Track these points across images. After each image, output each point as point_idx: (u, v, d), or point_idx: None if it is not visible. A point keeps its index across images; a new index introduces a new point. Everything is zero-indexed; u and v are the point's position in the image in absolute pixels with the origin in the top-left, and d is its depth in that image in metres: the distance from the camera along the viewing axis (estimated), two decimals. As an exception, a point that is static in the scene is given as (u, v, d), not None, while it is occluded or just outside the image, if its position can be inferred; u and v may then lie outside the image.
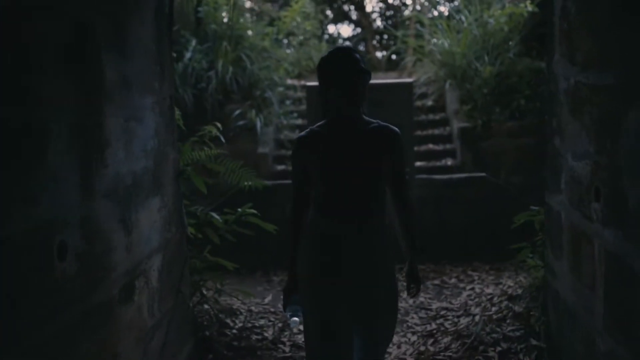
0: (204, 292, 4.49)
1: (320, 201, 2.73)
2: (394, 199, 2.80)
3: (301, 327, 2.91)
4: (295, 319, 2.70)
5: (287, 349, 4.37)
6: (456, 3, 9.77)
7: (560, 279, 3.63)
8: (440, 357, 4.11)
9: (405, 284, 2.86)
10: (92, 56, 2.67)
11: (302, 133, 2.81)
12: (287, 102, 8.58)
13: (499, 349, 4.09)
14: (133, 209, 3.05)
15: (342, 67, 2.66)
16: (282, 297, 2.83)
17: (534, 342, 4.01)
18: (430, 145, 7.90)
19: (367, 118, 2.77)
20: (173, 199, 3.70)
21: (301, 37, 10.28)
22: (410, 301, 5.11)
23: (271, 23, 9.81)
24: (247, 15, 9.77)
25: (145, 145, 3.24)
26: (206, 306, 4.56)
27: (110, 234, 2.79)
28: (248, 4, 10.42)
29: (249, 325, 4.77)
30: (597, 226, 2.96)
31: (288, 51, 10.03)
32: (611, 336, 2.84)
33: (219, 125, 4.50)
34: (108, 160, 2.77)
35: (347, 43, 13.15)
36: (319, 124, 2.79)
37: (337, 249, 2.68)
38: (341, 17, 14.30)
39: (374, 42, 13.33)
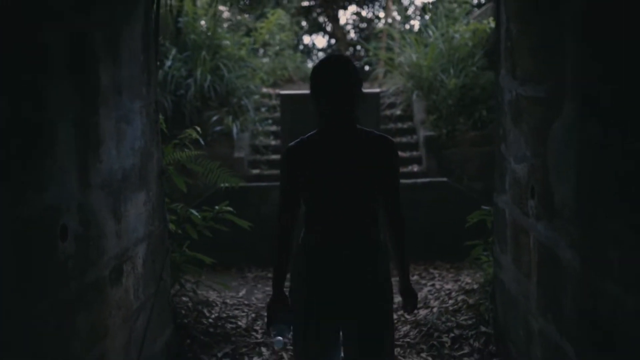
0: (183, 283, 4.83)
1: (311, 215, 2.66)
2: (387, 212, 2.71)
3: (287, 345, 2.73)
4: (280, 338, 2.54)
5: (259, 336, 4.74)
6: (427, 17, 10.24)
7: (505, 270, 4.05)
8: (399, 342, 4.50)
9: (401, 299, 2.82)
10: (90, 64, 3.03)
11: (292, 143, 2.70)
12: (263, 109, 8.97)
13: (452, 335, 4.51)
14: (122, 201, 3.41)
15: (334, 76, 2.57)
16: (266, 314, 2.67)
17: (483, 328, 4.44)
18: (399, 152, 8.30)
19: (361, 127, 2.67)
20: (156, 195, 4.05)
21: (277, 48, 10.69)
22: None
23: (248, 33, 10.20)
24: (225, 25, 10.16)
25: (133, 145, 3.60)
26: (184, 298, 4.92)
27: (103, 222, 3.15)
28: (226, 15, 10.81)
29: (224, 315, 5.12)
30: (532, 221, 3.38)
31: (264, 60, 10.43)
32: (542, 316, 3.25)
33: (198, 129, 4.87)
34: (102, 157, 3.13)
35: (335, 53, 13.55)
36: (309, 133, 2.69)
37: (330, 265, 2.61)
38: (316, 28, 14.75)
39: (347, 53, 13.78)
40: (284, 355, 4.37)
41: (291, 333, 2.61)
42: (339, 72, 2.58)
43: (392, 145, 2.70)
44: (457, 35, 8.64)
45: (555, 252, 3.03)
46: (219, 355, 4.38)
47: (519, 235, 3.70)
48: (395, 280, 2.71)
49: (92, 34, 3.06)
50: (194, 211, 4.74)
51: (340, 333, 2.70)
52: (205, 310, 5.05)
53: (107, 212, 3.20)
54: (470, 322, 4.64)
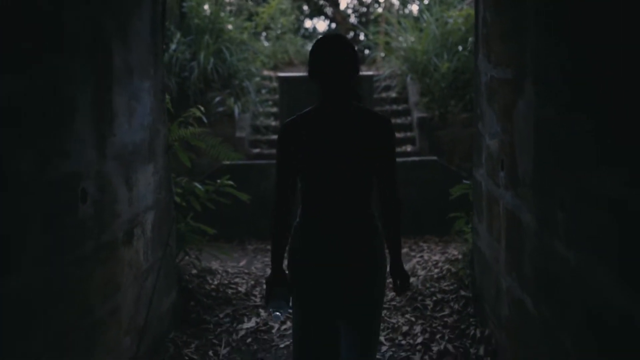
0: (187, 252, 5.22)
1: (307, 192, 2.68)
2: (382, 193, 2.70)
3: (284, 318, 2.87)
4: (278, 313, 2.60)
5: (257, 300, 5.14)
6: (426, 1, 10.55)
7: (482, 238, 4.43)
8: (386, 305, 4.89)
9: (393, 282, 2.80)
10: (104, 46, 3.40)
11: (288, 120, 2.71)
12: (263, 91, 9.33)
13: (434, 298, 4.90)
14: (133, 171, 3.79)
15: (330, 54, 2.59)
16: (264, 290, 2.68)
17: (462, 292, 4.83)
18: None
19: (358, 105, 2.67)
20: (163, 168, 4.43)
21: (278, 31, 11.02)
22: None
23: (250, 17, 10.53)
24: (227, 9, 10.49)
25: (142, 121, 3.97)
26: (188, 265, 5.31)
27: (117, 189, 3.53)
28: (228, -1, 11.13)
29: (225, 282, 5.53)
30: (502, 190, 3.76)
31: (265, 44, 10.77)
32: (509, 275, 3.63)
33: (202, 108, 5.24)
34: (116, 131, 3.50)
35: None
36: (306, 110, 2.70)
37: (326, 243, 2.62)
38: (317, 12, 15.06)
39: (348, 37, 14.10)
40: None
41: (288, 308, 2.64)
42: (334, 50, 2.59)
43: (388, 124, 2.67)
44: (450, 21, 8.98)
45: (518, 217, 3.41)
46: (221, 315, 4.78)
47: (492, 205, 4.07)
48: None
49: (106, 19, 3.42)
50: (198, 184, 5.12)
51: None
52: (207, 277, 5.45)
53: (120, 180, 3.58)
54: (451, 287, 5.04)
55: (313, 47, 2.67)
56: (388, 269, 2.78)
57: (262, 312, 4.85)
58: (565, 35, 2.61)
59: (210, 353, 4.18)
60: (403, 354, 4.13)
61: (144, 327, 3.89)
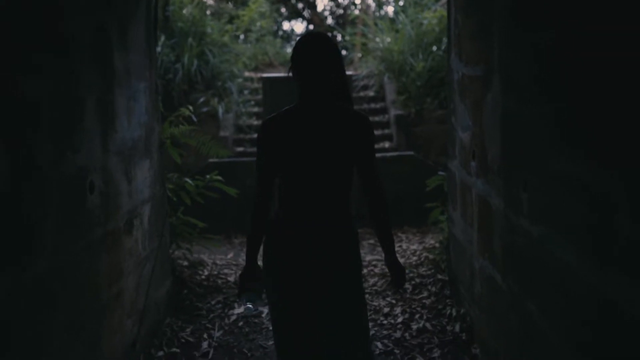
0: (179, 244, 5.50)
1: (285, 189, 2.70)
2: (366, 190, 2.71)
3: (262, 311, 2.91)
4: (250, 305, 2.64)
5: (247, 288, 5.42)
6: (401, 3, 10.90)
7: (456, 224, 4.77)
8: (368, 290, 5.21)
9: (390, 276, 2.85)
10: (107, 51, 3.68)
11: (268, 117, 2.72)
12: (245, 92, 9.62)
13: (413, 282, 5.24)
14: (132, 166, 4.07)
15: (310, 52, 2.60)
16: (238, 284, 2.71)
17: (439, 276, 5.17)
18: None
19: (339, 104, 2.69)
20: (158, 163, 4.71)
21: (258, 34, 11.32)
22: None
23: (230, 21, 10.81)
24: (208, 12, 10.76)
25: (140, 119, 4.25)
26: (180, 257, 5.59)
27: (119, 182, 3.81)
28: (209, 2, 11.40)
29: (215, 272, 5.81)
30: (474, 179, 4.10)
31: (246, 46, 11.06)
32: (481, 256, 3.97)
33: (191, 108, 5.53)
34: (117, 128, 3.78)
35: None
36: (286, 108, 2.72)
37: (302, 241, 2.65)
38: (295, 14, 15.36)
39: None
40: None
41: (260, 302, 2.67)
42: (314, 48, 2.60)
43: (366, 121, 2.70)
44: (425, 22, 9.34)
45: (488, 201, 3.74)
46: (212, 302, 5.06)
47: (465, 193, 4.41)
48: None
49: (109, 25, 3.70)
50: (188, 179, 5.40)
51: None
52: (198, 268, 5.73)
53: (121, 174, 3.86)
54: (429, 272, 5.38)
55: (295, 44, 2.67)
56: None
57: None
58: (524, 34, 2.95)
59: (205, 336, 4.47)
60: (385, 332, 4.45)
61: (143, 311, 4.17)
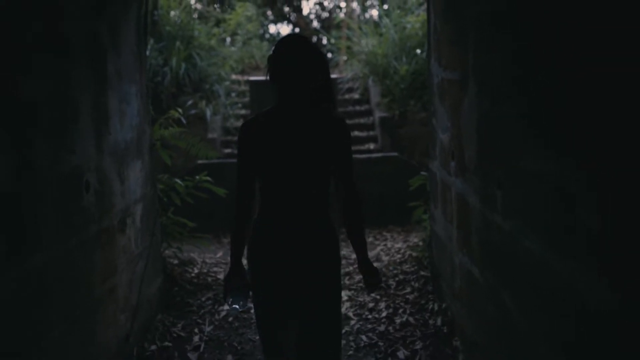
0: (170, 243, 5.64)
1: (265, 192, 2.70)
2: (342, 192, 2.74)
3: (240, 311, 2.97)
4: (236, 306, 2.68)
5: (235, 285, 5.58)
6: (385, 7, 11.09)
7: (438, 222, 4.96)
8: (354, 287, 5.38)
9: (363, 278, 2.80)
10: (100, 55, 3.83)
11: (247, 120, 2.76)
12: (233, 94, 9.78)
13: (397, 279, 5.42)
14: (125, 167, 4.21)
15: (289, 54, 2.58)
16: (223, 284, 2.74)
17: (422, 273, 5.35)
18: (356, 132, 9.21)
19: (316, 107, 2.69)
20: (149, 164, 4.86)
21: (244, 37, 11.47)
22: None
23: (217, 24, 10.96)
24: (195, 16, 10.90)
25: (131, 121, 4.40)
26: (170, 256, 5.73)
27: (112, 182, 3.95)
28: (196, 7, 11.54)
29: (205, 270, 5.96)
30: (453, 178, 4.28)
31: (232, 49, 11.21)
32: (461, 251, 4.15)
33: (180, 110, 5.68)
34: (110, 129, 3.93)
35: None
36: (265, 110, 2.74)
37: (282, 244, 2.67)
38: (281, 18, 15.53)
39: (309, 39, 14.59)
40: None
41: (246, 302, 2.68)
42: (293, 51, 2.59)
43: (343, 124, 2.72)
44: (408, 26, 9.54)
45: (466, 199, 3.93)
46: (203, 299, 5.22)
47: (445, 192, 4.59)
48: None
49: (102, 30, 3.85)
50: (178, 180, 5.55)
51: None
52: (188, 267, 5.88)
53: (115, 174, 4.01)
54: (412, 269, 5.56)
55: (273, 47, 2.66)
56: (343, 267, 2.88)
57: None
58: (495, 41, 3.13)
59: (196, 330, 4.62)
60: (369, 325, 4.62)
61: (136, 307, 4.31)
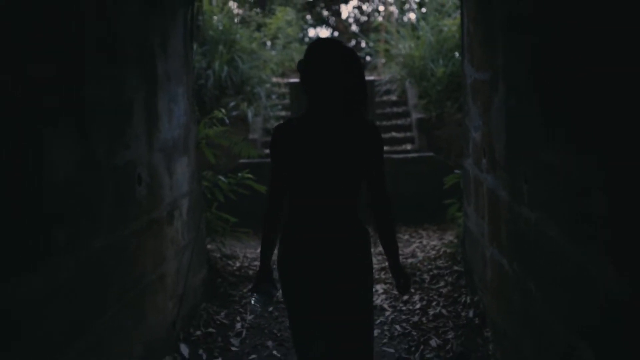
0: (213, 237, 5.91)
1: (295, 198, 2.68)
2: (373, 197, 2.73)
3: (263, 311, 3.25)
4: (257, 305, 2.75)
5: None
6: (423, 10, 11.27)
7: (470, 218, 5.13)
8: (389, 281, 5.58)
9: (395, 282, 2.85)
10: (151, 58, 4.11)
11: (278, 125, 2.75)
12: (273, 96, 10.06)
13: (431, 274, 5.60)
14: (173, 162, 4.49)
15: (319, 58, 2.58)
16: (252, 282, 2.81)
17: (455, 268, 5.52)
18: (394, 133, 9.41)
19: (348, 112, 2.65)
20: (195, 161, 5.14)
21: (284, 41, 11.76)
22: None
23: (258, 28, 11.27)
24: (236, 20, 11.23)
25: (179, 120, 4.68)
26: (214, 250, 6.01)
27: (161, 176, 4.23)
28: (237, 11, 11.88)
29: (246, 264, 6.22)
30: (485, 174, 4.45)
31: (272, 53, 11.51)
32: (491, 245, 4.32)
33: (223, 111, 5.95)
34: (160, 128, 4.21)
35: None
36: (298, 114, 2.75)
37: (314, 247, 2.64)
38: (320, 21, 15.79)
39: (349, 45, 14.84)
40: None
41: (268, 304, 2.79)
42: (325, 56, 2.57)
43: (375, 129, 2.69)
44: (445, 29, 9.69)
45: (497, 194, 4.10)
46: (244, 290, 5.47)
47: (477, 188, 4.77)
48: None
49: (151, 35, 4.13)
50: (221, 177, 5.82)
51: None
52: (230, 260, 6.15)
53: (164, 169, 4.29)
54: (446, 264, 5.73)
55: (306, 51, 2.65)
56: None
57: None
58: (520, 44, 3.31)
59: (238, 318, 4.87)
60: (404, 317, 4.81)
61: (182, 295, 4.58)
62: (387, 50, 11.13)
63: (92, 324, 3.11)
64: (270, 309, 2.58)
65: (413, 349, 4.29)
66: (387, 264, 5.80)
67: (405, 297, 5.16)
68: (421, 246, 6.81)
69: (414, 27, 10.91)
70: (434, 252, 6.30)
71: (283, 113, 9.83)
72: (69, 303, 2.86)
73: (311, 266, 2.65)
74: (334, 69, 2.57)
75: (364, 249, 2.73)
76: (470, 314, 4.75)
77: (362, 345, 2.78)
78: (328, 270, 2.65)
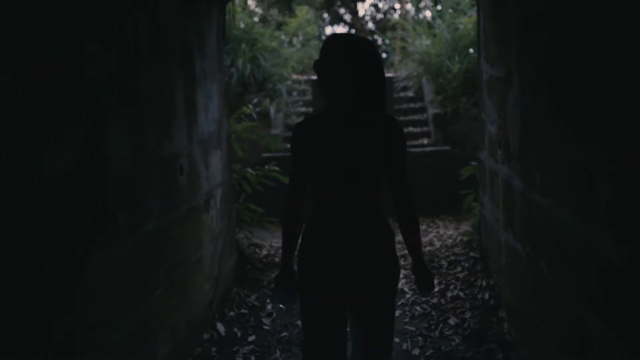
0: (242, 227, 6.26)
1: (317, 195, 2.66)
2: (395, 194, 2.69)
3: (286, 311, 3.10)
4: (282, 306, 2.72)
5: (300, 265, 6.17)
6: (439, 8, 11.54)
7: (485, 206, 5.43)
8: (409, 267, 5.89)
9: (416, 280, 2.81)
10: (190, 57, 4.45)
11: (299, 122, 2.73)
12: (294, 93, 10.40)
13: (448, 260, 5.91)
14: (208, 154, 4.83)
15: (336, 55, 2.54)
16: (273, 283, 2.79)
17: (472, 254, 5.83)
18: (411, 128, 9.71)
19: (367, 108, 2.58)
20: (227, 154, 5.48)
21: (303, 39, 12.10)
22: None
23: (278, 27, 11.60)
24: (256, 20, 11.58)
25: (213, 115, 5.02)
26: (243, 239, 6.35)
27: (199, 167, 4.57)
28: (258, 11, 12.22)
29: (272, 253, 6.57)
30: (500, 165, 4.76)
31: (292, 50, 11.84)
32: (505, 231, 4.63)
33: (251, 107, 6.29)
34: (198, 122, 4.55)
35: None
36: (318, 111, 2.73)
37: (336, 244, 2.61)
38: (337, 20, 16.09)
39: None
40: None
41: (292, 303, 2.74)
42: (341, 52, 2.54)
43: (397, 124, 2.66)
44: (461, 26, 9.98)
45: (511, 183, 4.40)
46: (272, 276, 5.81)
47: (492, 178, 5.07)
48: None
49: (190, 35, 4.47)
50: (249, 169, 6.16)
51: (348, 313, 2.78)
52: (257, 249, 6.50)
53: (201, 161, 4.63)
54: (463, 251, 6.04)
55: (323, 48, 2.60)
56: (398, 250, 2.86)
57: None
58: (531, 43, 3.61)
59: (268, 301, 5.21)
60: (423, 298, 5.13)
61: (217, 278, 4.93)
62: (403, 48, 11.43)
63: (145, 299, 3.45)
64: (295, 307, 2.60)
65: (433, 327, 4.61)
66: (406, 251, 6.15)
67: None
68: (438, 235, 7.12)
69: (430, 24, 11.20)
70: (450, 240, 6.61)
71: (303, 109, 10.16)
72: (128, 278, 3.21)
73: (333, 260, 2.61)
74: (351, 66, 2.51)
75: (387, 242, 2.69)
76: (486, 296, 5.05)
77: (386, 342, 2.80)
78: (350, 264, 2.61)
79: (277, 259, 6.32)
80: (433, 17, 11.01)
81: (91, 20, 2.86)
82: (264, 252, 6.46)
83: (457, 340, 4.37)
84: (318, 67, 2.60)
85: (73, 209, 2.67)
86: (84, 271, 2.75)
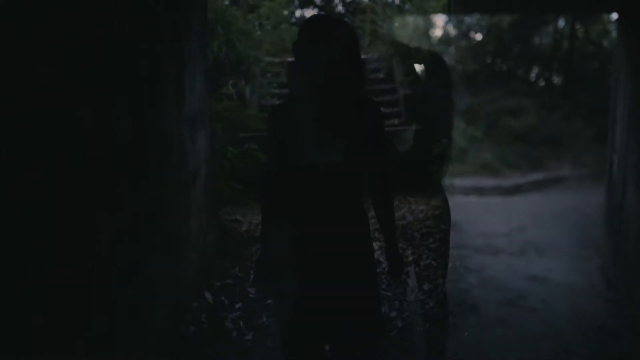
0: (222, 204, 6.51)
1: (294, 183, 2.54)
2: (372, 177, 2.60)
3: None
4: (263, 294, 2.97)
5: (280, 239, 6.46)
6: (406, -8, 11.82)
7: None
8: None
9: (388, 265, 2.83)
10: (179, 40, 4.66)
11: (276, 104, 2.68)
12: (268, 75, 10.61)
13: (421, 232, 6.26)
14: (194, 133, 5.07)
15: (312, 38, 2.45)
16: (253, 270, 2.87)
17: (442, 226, 6.18)
18: (382, 109, 9.97)
19: (345, 91, 2.47)
20: (210, 132, 5.72)
21: (274, 22, 12.27)
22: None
23: (251, 10, 11.77)
24: (227, 2, 11.69)
25: (199, 94, 5.25)
26: (224, 215, 6.61)
27: (187, 144, 4.81)
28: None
29: (252, 228, 6.83)
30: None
31: (265, 33, 12.01)
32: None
33: (230, 87, 6.52)
34: (186, 101, 4.79)
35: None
36: (294, 95, 2.68)
37: (313, 239, 2.55)
38: (307, 2, 16.26)
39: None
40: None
41: (272, 288, 2.78)
42: (317, 34, 2.45)
43: (376, 109, 2.59)
44: (430, 10, 10.27)
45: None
46: (253, 249, 6.09)
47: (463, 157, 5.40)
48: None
49: (179, 20, 4.69)
50: (230, 148, 6.41)
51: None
52: (237, 224, 6.77)
53: (189, 138, 4.87)
54: (434, 224, 6.39)
55: (299, 31, 2.51)
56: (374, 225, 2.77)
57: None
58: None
59: (251, 272, 5.49)
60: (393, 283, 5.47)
61: (203, 250, 5.19)
62: (374, 30, 11.71)
63: (145, 266, 3.71)
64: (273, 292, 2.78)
65: (408, 292, 4.95)
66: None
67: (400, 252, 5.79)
68: (410, 210, 7.46)
69: (400, 8, 11.48)
70: (422, 214, 6.95)
71: (277, 90, 10.39)
72: (130, 246, 3.46)
73: (312, 252, 2.54)
74: (329, 48, 2.41)
75: (364, 236, 2.63)
76: (457, 264, 5.42)
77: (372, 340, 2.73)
78: (328, 259, 2.52)
79: (256, 234, 6.59)
80: (402, 1, 11.31)
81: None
82: (244, 227, 6.73)
83: (431, 304, 4.72)
84: (296, 49, 2.51)
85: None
86: (97, 240, 3.00)
